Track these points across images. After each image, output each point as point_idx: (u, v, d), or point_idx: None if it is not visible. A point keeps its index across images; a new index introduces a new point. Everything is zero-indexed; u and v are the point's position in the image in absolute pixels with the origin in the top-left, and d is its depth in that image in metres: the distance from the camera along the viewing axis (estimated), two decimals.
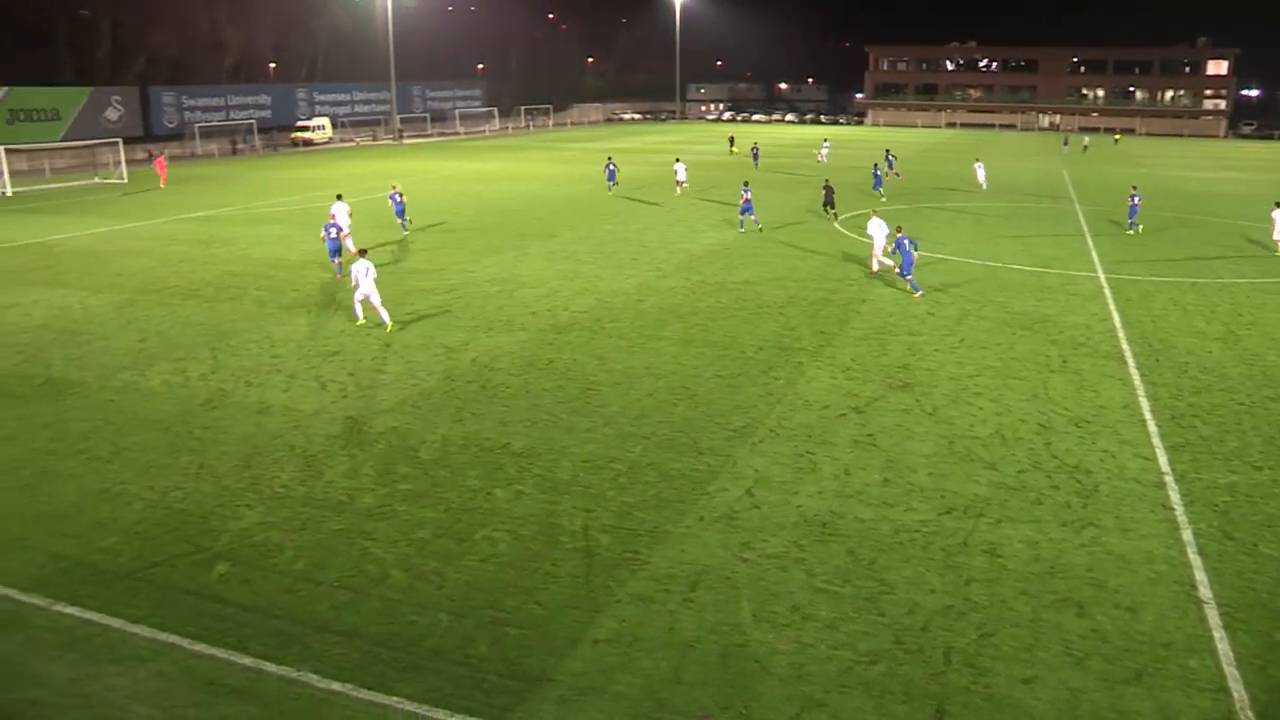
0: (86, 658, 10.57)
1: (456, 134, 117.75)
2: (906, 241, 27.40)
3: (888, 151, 64.88)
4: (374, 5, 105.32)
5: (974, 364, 21.27)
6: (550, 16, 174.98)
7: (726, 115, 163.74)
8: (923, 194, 53.78)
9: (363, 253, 24.91)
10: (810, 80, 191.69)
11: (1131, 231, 39.67)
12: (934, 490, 14.78)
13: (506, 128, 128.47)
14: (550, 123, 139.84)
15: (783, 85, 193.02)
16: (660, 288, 28.80)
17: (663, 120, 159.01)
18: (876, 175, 52.62)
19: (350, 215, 32.48)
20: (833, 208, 43.07)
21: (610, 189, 53.30)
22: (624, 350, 22.32)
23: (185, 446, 16.66)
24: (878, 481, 15.12)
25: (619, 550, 12.90)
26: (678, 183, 52.25)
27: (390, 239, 37.59)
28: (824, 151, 72.53)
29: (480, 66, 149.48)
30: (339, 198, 34.15)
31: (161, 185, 58.57)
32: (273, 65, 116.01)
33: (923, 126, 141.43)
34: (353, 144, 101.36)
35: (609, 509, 14.14)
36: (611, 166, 53.68)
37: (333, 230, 29.91)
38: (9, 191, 55.45)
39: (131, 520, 13.88)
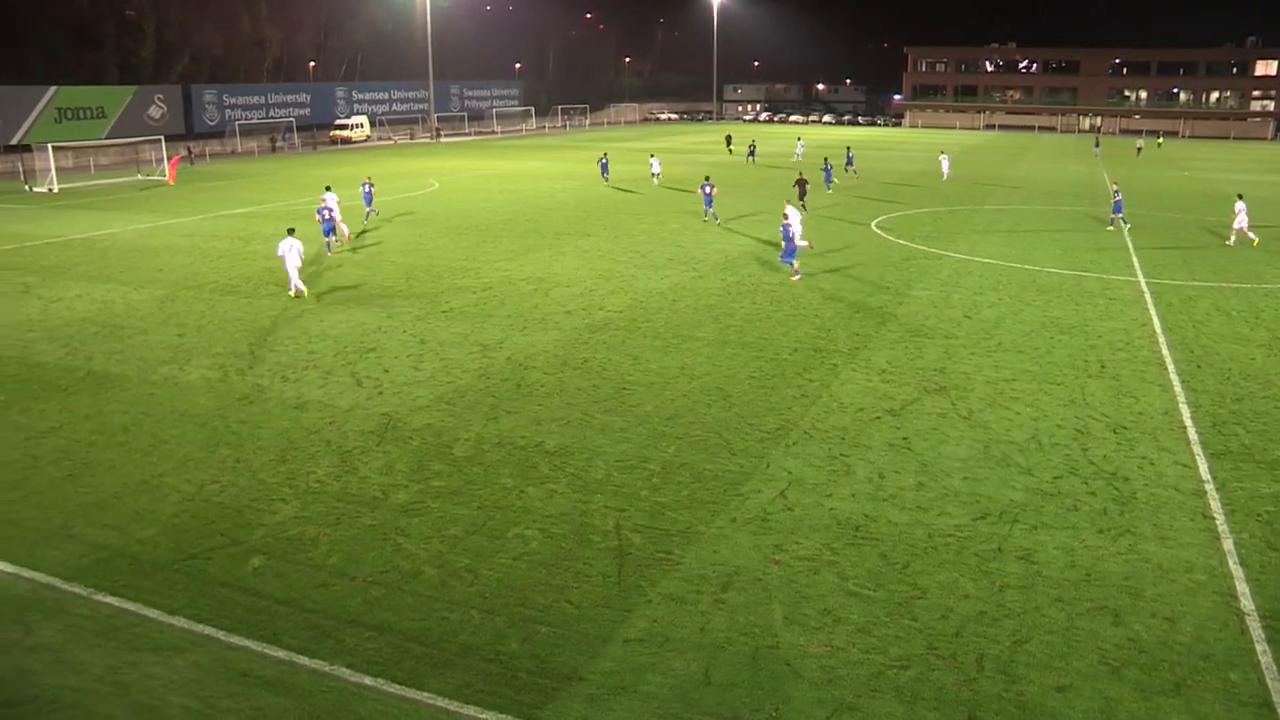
0: (125, 646, 10.71)
1: (493, 133, 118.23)
2: (788, 228, 29.74)
3: (848, 148, 69.03)
4: (413, 5, 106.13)
5: (1010, 368, 21.08)
6: (588, 16, 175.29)
7: (763, 116, 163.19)
8: (959, 196, 53.39)
9: (290, 231, 28.14)
10: (848, 81, 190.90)
11: (1112, 227, 40.99)
12: (969, 495, 14.65)
13: (543, 127, 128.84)
14: (587, 122, 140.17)
15: (820, 86, 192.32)
16: (696, 288, 28.76)
17: (699, 120, 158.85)
18: (827, 171, 55.43)
19: (338, 204, 35.77)
20: (803, 198, 44.87)
21: (605, 181, 58.17)
22: (659, 350, 22.31)
23: (222, 440, 16.84)
24: (912, 485, 15.02)
25: (651, 550, 12.89)
26: (653, 174, 57.90)
27: (406, 233, 37.82)
28: (799, 149, 73.32)
29: (517, 66, 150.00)
30: (328, 189, 36.97)
31: (170, 182, 59.34)
32: (312, 64, 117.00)
33: (961, 128, 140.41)
34: (390, 142, 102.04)
35: (642, 509, 14.13)
36: (604, 161, 60.20)
37: (325, 213, 34.02)
38: (56, 188, 56.32)
39: (169, 512, 14.04)
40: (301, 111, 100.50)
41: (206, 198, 51.95)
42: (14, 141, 73.47)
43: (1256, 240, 37.58)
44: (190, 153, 76.09)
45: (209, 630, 11.00)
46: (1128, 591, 11.89)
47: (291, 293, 27.88)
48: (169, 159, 64.20)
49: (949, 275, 30.93)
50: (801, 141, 77.24)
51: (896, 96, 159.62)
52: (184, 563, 12.56)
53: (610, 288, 28.83)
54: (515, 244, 36.60)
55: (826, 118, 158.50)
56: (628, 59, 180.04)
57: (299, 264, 27.65)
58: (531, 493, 14.66)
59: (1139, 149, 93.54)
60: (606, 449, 16.37)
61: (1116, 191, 41.79)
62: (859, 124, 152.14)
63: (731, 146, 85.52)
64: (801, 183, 45.56)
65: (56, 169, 58.43)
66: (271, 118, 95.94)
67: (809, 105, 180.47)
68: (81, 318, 25.61)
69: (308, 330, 24.13)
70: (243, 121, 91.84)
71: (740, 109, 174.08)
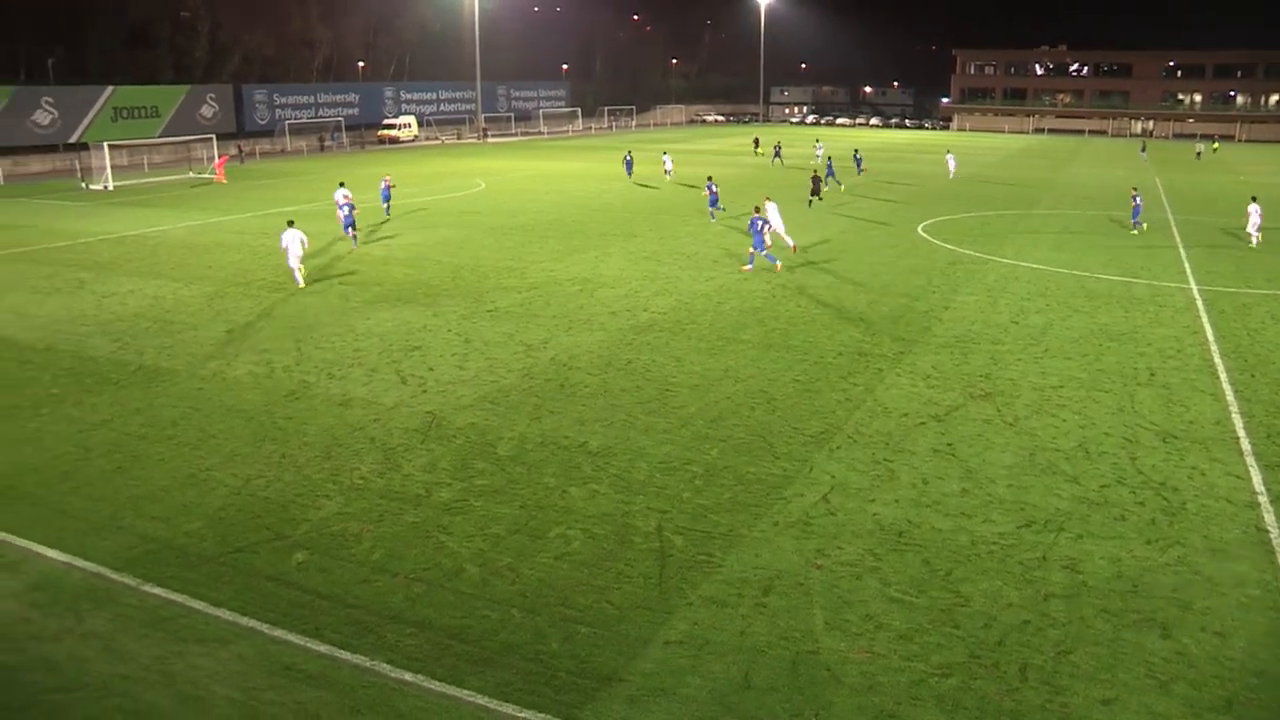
0: (171, 637, 10.87)
1: (540, 133, 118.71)
2: (759, 222, 30.97)
3: (855, 151, 70.76)
4: (461, 6, 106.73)
5: (1058, 375, 20.81)
6: (635, 18, 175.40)
7: (810, 119, 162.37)
8: (1007, 201, 52.83)
9: (290, 223, 29.86)
10: (895, 84, 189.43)
11: (1135, 231, 41.09)
12: (1013, 502, 14.49)
13: (589, 128, 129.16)
14: (633, 124, 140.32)
15: (867, 89, 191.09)
16: (741, 290, 28.69)
17: (745, 122, 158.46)
18: (830, 168, 57.06)
19: (348, 199, 37.02)
20: (818, 196, 48.51)
21: (630, 179, 60.73)
22: (703, 352, 22.28)
23: (268, 436, 17.04)
24: (956, 492, 14.87)
25: (692, 552, 12.86)
26: (665, 171, 60.93)
27: (452, 233, 38.07)
28: (819, 151, 73.25)
29: (564, 67, 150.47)
30: (341, 184, 39.21)
31: (220, 181, 60.30)
32: (361, 64, 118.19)
33: (1009, 132, 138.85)
34: (438, 142, 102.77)
35: (684, 511, 14.11)
36: (629, 159, 63.01)
37: (345, 209, 35.66)
38: (111, 185, 57.33)
39: (216, 506, 14.23)
40: (350, 111, 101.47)
41: (256, 196, 52.62)
42: (72, 140, 74.92)
43: (1255, 242, 37.97)
44: (241, 151, 77.13)
45: (253, 623, 11.13)
46: (1177, 604, 11.69)
47: (301, 284, 29.09)
48: (218, 158, 65.15)
49: (996, 280, 30.62)
50: (820, 144, 77.12)
51: (944, 99, 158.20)
52: (230, 556, 12.72)
53: (655, 289, 28.83)
54: (561, 244, 36.72)
55: (874, 120, 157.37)
56: (674, 60, 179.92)
57: (300, 254, 29.19)
58: (574, 493, 14.69)
59: (1198, 153, 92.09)
60: (650, 450, 16.37)
61: (1136, 196, 41.82)
62: (906, 127, 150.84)
63: (759, 149, 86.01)
64: (816, 179, 49.00)
65: (111, 167, 59.52)
66: (321, 117, 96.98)
67: (856, 108, 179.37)
68: (133, 313, 26.05)
69: (354, 328, 24.36)
70: (292, 121, 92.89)
71: (787, 111, 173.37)
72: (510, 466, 15.69)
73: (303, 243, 29.17)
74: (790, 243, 33.92)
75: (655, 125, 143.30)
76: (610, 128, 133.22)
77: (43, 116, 74.19)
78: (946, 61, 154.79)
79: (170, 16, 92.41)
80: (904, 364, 21.56)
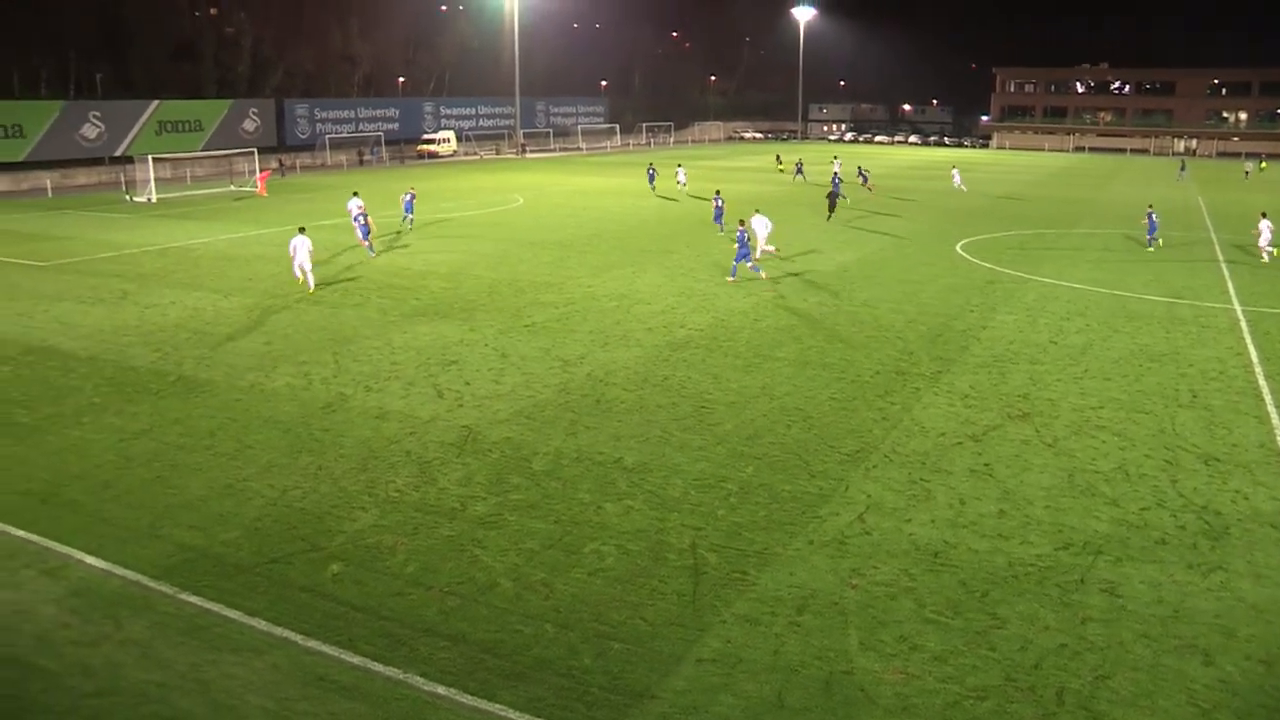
0: (206, 645, 10.97)
1: (578, 149, 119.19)
2: (745, 234, 32.41)
3: (859, 167, 71.28)
4: (500, 22, 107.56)
5: (1098, 396, 20.58)
6: (674, 34, 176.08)
7: (848, 136, 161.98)
8: (1048, 219, 52.39)
9: (301, 230, 31.94)
10: (934, 102, 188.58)
11: (1152, 249, 41.37)
12: (1051, 524, 14.33)
13: (628, 144, 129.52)
14: (671, 140, 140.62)
15: (906, 106, 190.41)
16: (777, 307, 28.64)
17: (783, 139, 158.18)
18: (835, 182, 56.67)
19: (362, 208, 38.98)
20: (833, 209, 49.84)
21: (652, 191, 63.23)
22: (739, 369, 22.25)
23: (305, 447, 17.19)
24: (993, 513, 14.73)
25: (727, 570, 12.83)
26: (679, 184, 62.73)
27: (489, 248, 38.31)
28: (836, 165, 72.87)
29: (603, 83, 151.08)
30: (355, 194, 40.97)
31: (261, 194, 61.02)
32: (401, 79, 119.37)
33: (1050, 150, 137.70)
34: (476, 157, 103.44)
35: (718, 528, 14.08)
36: (652, 171, 66.07)
37: (360, 219, 37.47)
38: (154, 198, 58.22)
39: (252, 516, 14.37)
40: (390, 126, 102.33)
41: (296, 209, 53.18)
42: (118, 153, 76.15)
43: (1268, 259, 38.36)
44: (282, 165, 78.00)
45: (287, 633, 11.22)
46: (1219, 630, 11.50)
47: (311, 289, 30.69)
48: (260, 171, 65.96)
49: (1035, 299, 30.36)
50: (838, 160, 76.68)
51: (984, 118, 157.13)
52: (265, 566, 12.84)
53: (692, 305, 28.85)
54: (598, 260, 36.84)
55: (912, 138, 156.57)
56: (713, 77, 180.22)
57: (307, 259, 30.79)
58: (609, 509, 14.70)
59: (1246, 173, 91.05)
60: (685, 467, 16.36)
61: (1151, 214, 41.99)
62: (945, 145, 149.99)
63: (781, 166, 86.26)
64: (833, 195, 50.58)
65: (155, 180, 60.43)
66: (361, 131, 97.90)
67: (895, 125, 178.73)
68: (174, 323, 26.41)
69: (391, 341, 24.55)
70: (333, 135, 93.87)
71: (825, 128, 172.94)
72: (545, 481, 15.73)
73: (310, 251, 30.84)
74: (769, 249, 36.10)
75: (693, 142, 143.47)
76: (648, 144, 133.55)
77: (90, 130, 75.44)
78: (986, 79, 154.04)
79: (214, 32, 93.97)
80: (941, 383, 21.42)
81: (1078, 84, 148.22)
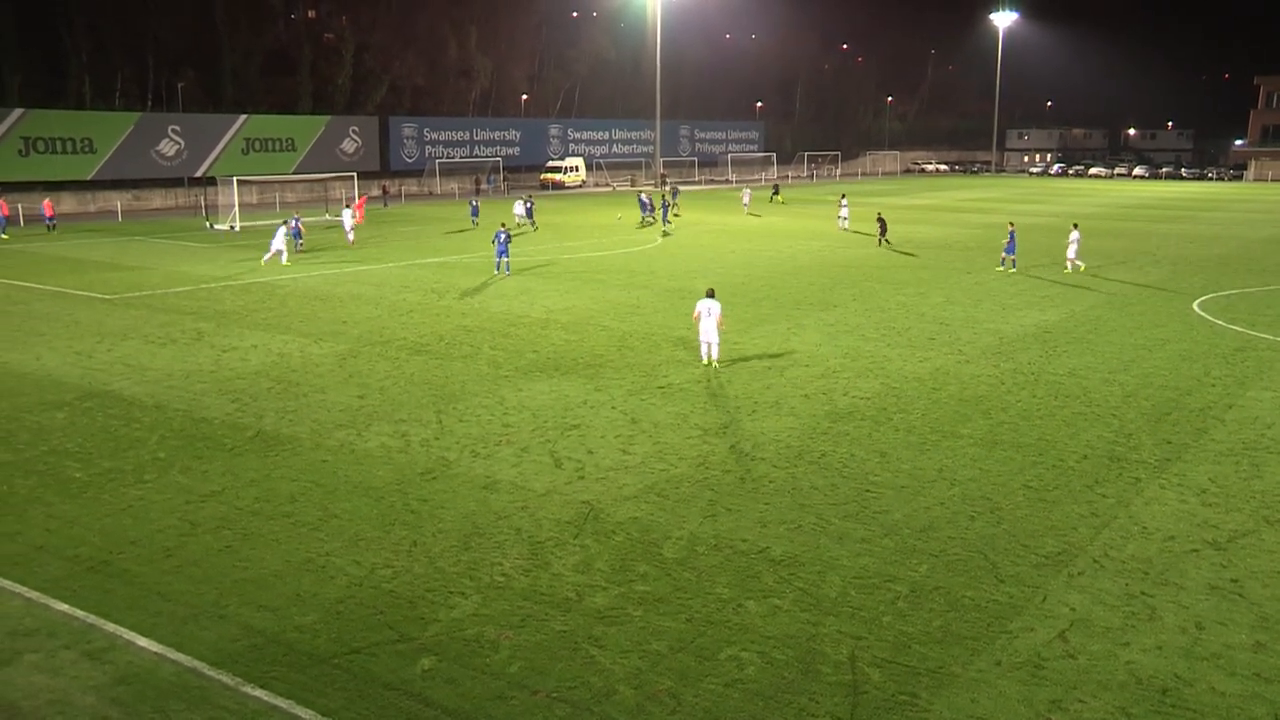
0: None
1: (727, 182, 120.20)
2: (504, 235, 39.38)
3: (1010, 224, 66.62)
4: (641, 34, 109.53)
5: None
6: (844, 47, 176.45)
7: (1055, 169, 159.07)
8: None
9: (284, 222, 37.41)
10: (1169, 124, 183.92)
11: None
12: None
13: (785, 176, 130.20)
14: (837, 172, 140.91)
15: (1131, 131, 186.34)
16: (961, 375, 28.24)
17: (974, 173, 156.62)
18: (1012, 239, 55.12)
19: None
20: (884, 235, 57.87)
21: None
22: (913, 447, 21.98)
23: (399, 520, 17.61)
24: (1245, 644, 14.08)
25: (892, 690, 12.60)
26: (840, 218, 67.12)
27: (619, 295, 38.74)
28: (844, 211, 70.66)
29: (758, 105, 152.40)
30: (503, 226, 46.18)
31: (359, 222, 62.79)
32: (524, 97, 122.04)
33: None
34: (609, 189, 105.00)
35: (883, 638, 13.86)
36: (746, 197, 78.18)
37: (502, 236, 44.38)
38: (238, 226, 60.91)
39: (334, 597, 14.75)
40: (510, 150, 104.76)
41: (399, 244, 55.01)
42: (199, 174, 79.34)
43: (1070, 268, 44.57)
44: (385, 192, 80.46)
45: None
46: None
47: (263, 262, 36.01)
48: (357, 199, 68.06)
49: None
50: (845, 200, 73.67)
51: (1238, 142, 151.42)
52: (345, 657, 13.13)
53: (857, 369, 28.67)
54: (747, 312, 36.99)
55: (1137, 170, 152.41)
56: (890, 98, 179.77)
57: (282, 248, 37.13)
58: (751, 607, 14.63)
59: None
60: (844, 562, 16.18)
61: None
62: (1182, 178, 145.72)
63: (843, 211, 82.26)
64: (882, 221, 58.76)
65: (240, 205, 63.05)
66: (476, 156, 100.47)
67: (1115, 154, 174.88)
68: (255, 371, 27.50)
69: (504, 400, 25.05)
70: (444, 160, 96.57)
71: (1025, 159, 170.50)
72: (677, 571, 15.75)
73: (283, 237, 40.09)
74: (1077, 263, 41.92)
75: (864, 175, 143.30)
76: (810, 176, 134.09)
77: (168, 147, 79.14)
78: (1242, 93, 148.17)
79: (313, 40, 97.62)
80: (1170, 473, 20.72)
81: None
